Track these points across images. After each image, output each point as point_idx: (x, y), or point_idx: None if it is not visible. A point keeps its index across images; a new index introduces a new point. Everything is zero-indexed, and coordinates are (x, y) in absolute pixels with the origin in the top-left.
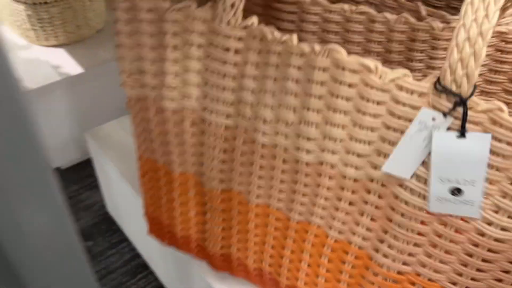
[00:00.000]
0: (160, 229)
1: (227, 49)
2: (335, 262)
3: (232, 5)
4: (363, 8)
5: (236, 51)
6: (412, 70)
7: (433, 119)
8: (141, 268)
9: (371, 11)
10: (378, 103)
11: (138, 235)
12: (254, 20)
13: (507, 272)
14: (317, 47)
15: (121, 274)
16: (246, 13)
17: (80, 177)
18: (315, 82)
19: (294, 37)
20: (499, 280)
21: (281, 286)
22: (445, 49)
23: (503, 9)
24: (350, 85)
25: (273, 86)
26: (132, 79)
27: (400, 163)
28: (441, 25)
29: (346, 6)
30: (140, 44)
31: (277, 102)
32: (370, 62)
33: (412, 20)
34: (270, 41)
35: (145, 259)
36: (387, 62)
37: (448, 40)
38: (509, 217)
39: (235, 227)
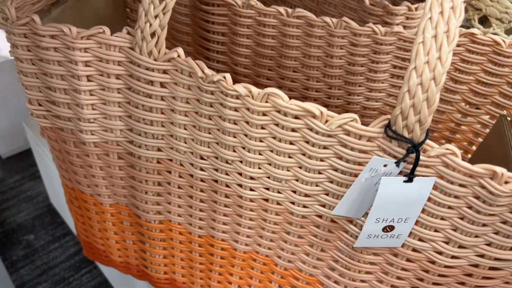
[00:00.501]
0: (96, 253)
1: (151, 82)
2: (245, 270)
3: (153, 34)
4: (301, 11)
5: (162, 85)
6: (354, 74)
7: (385, 165)
8: (85, 263)
9: (309, 14)
10: (325, 147)
11: None
12: (179, 52)
13: None
14: (254, 90)
15: (64, 269)
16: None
17: (22, 167)
18: (255, 125)
19: (228, 78)
20: None
21: None
22: (387, 53)
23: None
24: (293, 130)
25: (209, 123)
26: (44, 109)
27: (351, 206)
28: (383, 29)
29: (282, 9)
30: (46, 73)
31: (214, 140)
32: (314, 107)
33: (353, 24)
34: (200, 79)
35: None
36: (328, 66)
37: (391, 44)
38: (459, 247)
39: (178, 256)
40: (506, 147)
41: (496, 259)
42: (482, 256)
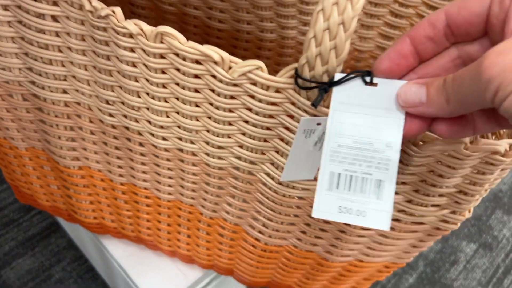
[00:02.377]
0: (26, 197)
1: (41, 15)
2: (213, 235)
3: None
4: None
5: (54, 19)
6: (285, 5)
7: (318, 124)
8: None
9: None
10: (232, 97)
11: None
12: None
13: (376, 242)
14: (146, 28)
15: (13, 211)
16: None
17: None
18: (154, 69)
19: (118, 12)
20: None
21: (164, 251)
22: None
23: None
24: (196, 76)
25: (107, 64)
26: None
27: (300, 170)
28: None
29: None
30: None
31: (116, 83)
32: (213, 51)
33: None
34: (89, 13)
35: None
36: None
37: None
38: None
39: (104, 202)
40: None
41: None
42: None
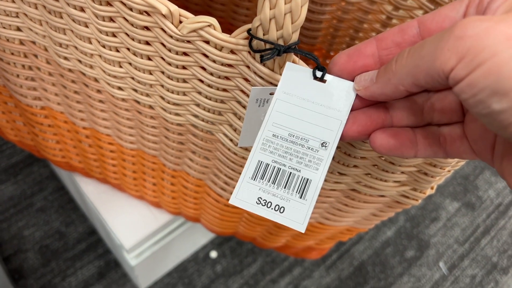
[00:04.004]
0: None
1: None
2: (177, 186)
3: None
4: None
5: None
6: None
7: (271, 93)
8: None
9: None
10: (185, 53)
11: None
12: None
13: (335, 208)
14: None
15: None
16: None
17: None
18: (102, 17)
19: None
20: None
21: (132, 195)
22: None
23: None
24: (145, 28)
25: (57, 5)
26: None
27: (254, 137)
28: None
29: None
30: None
31: (68, 27)
32: (162, 4)
33: None
34: None
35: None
36: None
37: None
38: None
39: (69, 143)
40: None
41: None
42: None
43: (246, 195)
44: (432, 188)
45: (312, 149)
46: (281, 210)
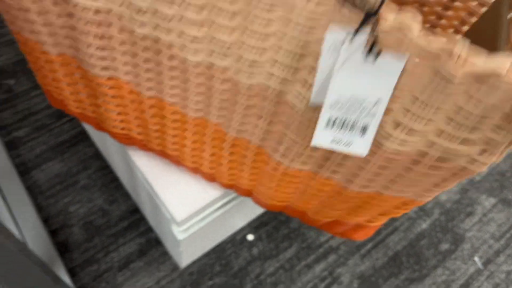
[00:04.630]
0: (57, 102)
1: None
2: (236, 155)
3: None
4: None
5: None
6: None
7: (346, 39)
8: None
9: None
10: (269, 10)
11: None
12: None
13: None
14: None
15: (45, 116)
16: None
17: None
18: None
19: None
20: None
21: (188, 167)
22: None
23: None
24: None
25: None
26: None
27: (325, 93)
28: None
29: None
30: None
31: None
32: None
33: None
34: None
35: None
36: None
37: None
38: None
39: (131, 114)
40: (500, 28)
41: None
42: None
43: (322, 139)
44: (502, 153)
45: (369, 105)
46: (349, 145)
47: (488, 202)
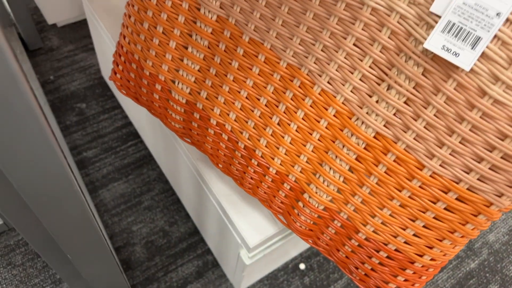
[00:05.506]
0: (127, 66)
1: None
2: (310, 120)
3: None
4: None
5: None
6: None
7: None
8: (132, 136)
9: None
10: None
11: (131, 105)
12: None
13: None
14: None
15: (112, 139)
16: None
17: (77, 37)
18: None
19: None
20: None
21: (238, 147)
22: None
23: None
24: None
25: None
26: None
27: None
28: None
29: None
30: None
31: None
32: None
33: None
34: None
35: (136, 128)
36: None
37: None
38: None
39: (214, 68)
40: None
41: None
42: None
43: (435, 43)
44: None
45: (489, 16)
46: (457, 55)
47: None
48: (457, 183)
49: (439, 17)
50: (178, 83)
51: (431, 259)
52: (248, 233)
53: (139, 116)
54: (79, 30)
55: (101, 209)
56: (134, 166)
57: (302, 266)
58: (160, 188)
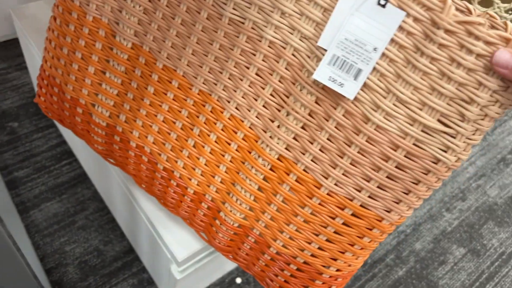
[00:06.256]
0: (50, 90)
1: None
2: (221, 143)
3: None
4: None
5: None
6: None
7: None
8: (66, 154)
9: None
10: None
11: None
12: None
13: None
14: None
15: (45, 158)
16: None
17: (9, 55)
18: None
19: None
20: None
21: (158, 169)
22: None
23: None
24: None
25: None
26: None
27: (334, 33)
28: None
29: None
30: None
31: None
32: None
33: None
34: None
35: (70, 147)
36: None
37: None
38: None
39: (132, 93)
40: None
41: (423, 131)
42: (412, 124)
43: (322, 74)
44: (466, 149)
45: (368, 51)
46: (342, 86)
47: (458, 252)
48: (351, 200)
49: (326, 50)
50: (98, 107)
51: (337, 270)
52: (176, 248)
53: (72, 134)
54: (12, 49)
55: (32, 230)
56: (68, 185)
57: (238, 280)
58: (94, 207)
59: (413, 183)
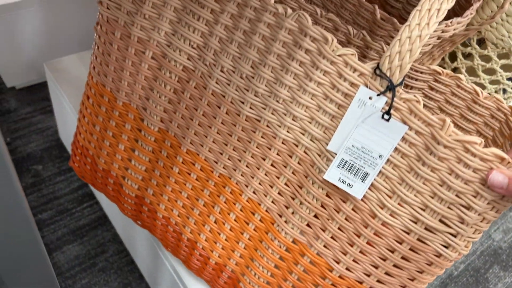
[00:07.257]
0: (83, 159)
1: None
2: (240, 222)
3: None
4: (332, 16)
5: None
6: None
7: (370, 98)
8: (87, 197)
9: (337, 20)
10: (325, 72)
11: None
12: None
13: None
14: (289, 10)
15: (68, 201)
16: None
17: (34, 99)
18: (278, 40)
19: None
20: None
21: (182, 239)
22: None
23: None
24: (306, 51)
25: (241, 37)
26: None
27: (343, 141)
28: None
29: (318, 10)
30: None
31: (239, 54)
32: (329, 34)
33: (368, 38)
34: None
35: (92, 189)
36: None
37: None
38: (399, 203)
39: (158, 170)
40: None
41: (426, 229)
42: (415, 222)
43: (332, 175)
44: (466, 246)
45: (374, 157)
46: (350, 186)
47: None
48: (360, 283)
49: (335, 154)
50: (127, 180)
51: None
52: None
53: None
54: (37, 93)
55: (55, 272)
56: (89, 228)
57: None
58: (114, 249)
59: (418, 271)
